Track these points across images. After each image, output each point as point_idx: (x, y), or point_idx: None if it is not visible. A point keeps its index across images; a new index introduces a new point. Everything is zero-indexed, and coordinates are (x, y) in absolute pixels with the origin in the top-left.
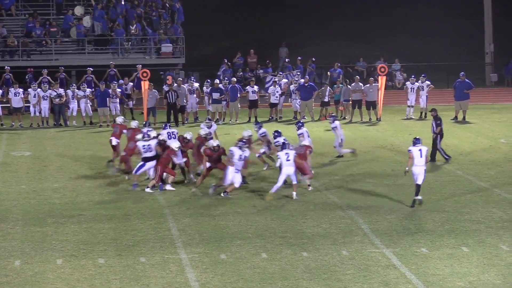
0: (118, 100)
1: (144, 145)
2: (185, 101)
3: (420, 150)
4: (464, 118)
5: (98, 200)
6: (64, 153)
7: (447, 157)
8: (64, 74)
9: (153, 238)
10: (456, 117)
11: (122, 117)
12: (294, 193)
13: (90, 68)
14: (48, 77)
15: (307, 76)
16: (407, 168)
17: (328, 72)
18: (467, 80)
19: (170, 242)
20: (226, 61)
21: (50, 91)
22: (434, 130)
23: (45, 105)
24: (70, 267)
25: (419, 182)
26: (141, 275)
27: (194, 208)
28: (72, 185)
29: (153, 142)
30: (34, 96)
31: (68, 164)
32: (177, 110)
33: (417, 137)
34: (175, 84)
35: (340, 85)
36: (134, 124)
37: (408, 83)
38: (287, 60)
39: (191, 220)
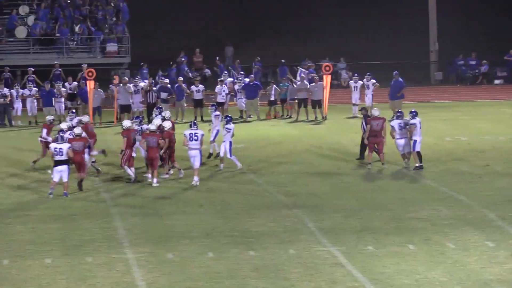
0: (62, 100)
1: (55, 148)
2: (130, 100)
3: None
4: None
5: (44, 200)
6: (9, 153)
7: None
8: (9, 74)
9: (100, 238)
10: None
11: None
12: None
13: (31, 68)
14: None
15: (252, 75)
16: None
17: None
18: (400, 79)
19: (117, 241)
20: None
21: None
22: (365, 128)
23: None
24: (17, 267)
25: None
26: (88, 275)
27: (141, 208)
28: (17, 185)
29: (65, 146)
30: None
31: (14, 164)
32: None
33: (413, 109)
34: (121, 84)
35: (286, 84)
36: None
37: (351, 81)
38: (237, 61)
39: (138, 220)
